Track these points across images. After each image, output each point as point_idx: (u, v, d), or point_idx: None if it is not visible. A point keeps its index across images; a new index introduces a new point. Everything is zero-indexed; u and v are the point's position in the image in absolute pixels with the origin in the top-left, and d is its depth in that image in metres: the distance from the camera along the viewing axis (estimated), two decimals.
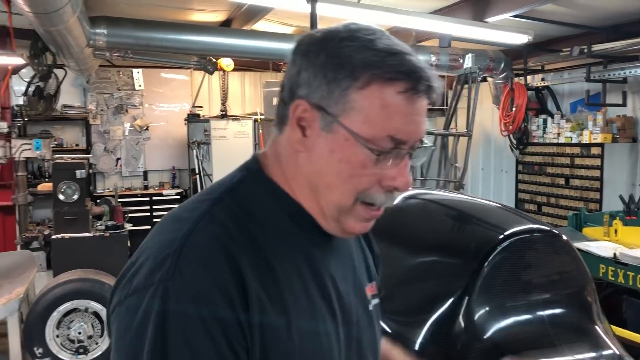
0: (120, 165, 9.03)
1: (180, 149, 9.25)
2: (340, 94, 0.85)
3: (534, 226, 1.71)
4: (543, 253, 1.66)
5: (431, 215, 2.09)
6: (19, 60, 5.12)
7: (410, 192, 2.44)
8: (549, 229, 1.74)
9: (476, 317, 1.48)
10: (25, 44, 6.04)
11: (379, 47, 0.86)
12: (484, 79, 7.12)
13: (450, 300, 1.57)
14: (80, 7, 4.31)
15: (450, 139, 5.51)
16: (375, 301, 1.07)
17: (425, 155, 5.65)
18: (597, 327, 1.57)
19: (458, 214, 2.03)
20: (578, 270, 1.65)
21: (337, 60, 0.86)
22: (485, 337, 1.50)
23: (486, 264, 1.56)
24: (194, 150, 8.58)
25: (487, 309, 1.51)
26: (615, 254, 3.95)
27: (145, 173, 9.22)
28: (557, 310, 1.55)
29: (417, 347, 1.49)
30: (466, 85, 5.69)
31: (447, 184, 5.10)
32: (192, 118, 8.76)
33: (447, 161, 5.25)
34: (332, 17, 5.20)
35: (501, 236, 1.63)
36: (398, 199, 2.31)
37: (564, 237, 1.72)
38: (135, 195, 8.53)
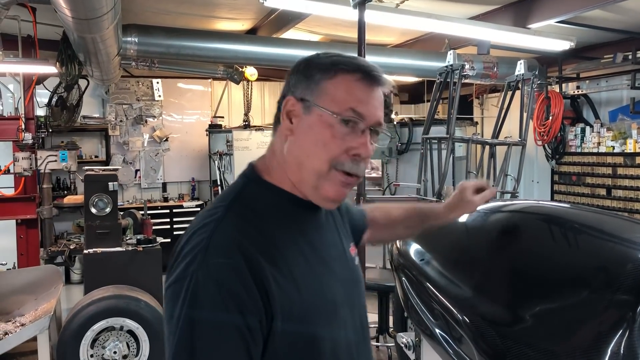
0: (139, 177, 8.85)
1: (199, 160, 9.06)
2: (315, 85, 1.16)
3: None
4: None
5: (546, 234, 1.88)
6: (50, 69, 4.93)
7: (494, 204, 2.22)
8: None
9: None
10: (47, 54, 5.87)
11: (342, 55, 1.20)
12: (517, 87, 6.94)
13: (611, 339, 1.37)
14: (119, 16, 4.15)
15: (502, 148, 5.30)
16: (357, 259, 1.39)
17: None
18: None
19: (580, 230, 1.83)
20: None
21: (313, 65, 1.19)
22: None
23: None
24: (215, 162, 8.38)
25: None
26: None
27: (164, 185, 9.03)
28: None
29: None
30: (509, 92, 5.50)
31: (503, 195, 4.90)
32: (214, 129, 8.57)
33: (500, 171, 5.04)
34: (371, 22, 5.03)
35: None
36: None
37: None
38: (156, 208, 8.33)
